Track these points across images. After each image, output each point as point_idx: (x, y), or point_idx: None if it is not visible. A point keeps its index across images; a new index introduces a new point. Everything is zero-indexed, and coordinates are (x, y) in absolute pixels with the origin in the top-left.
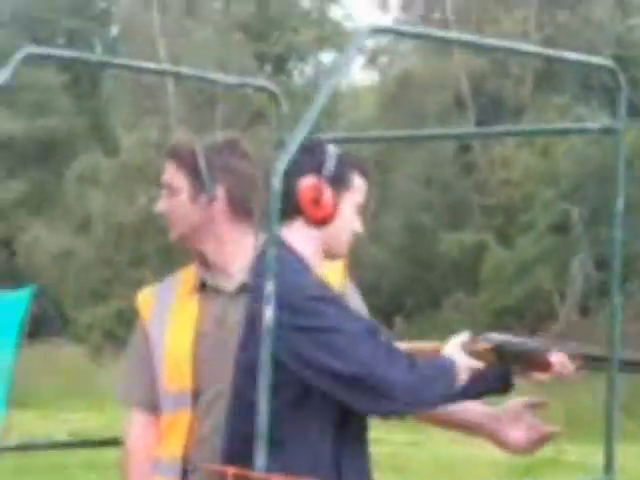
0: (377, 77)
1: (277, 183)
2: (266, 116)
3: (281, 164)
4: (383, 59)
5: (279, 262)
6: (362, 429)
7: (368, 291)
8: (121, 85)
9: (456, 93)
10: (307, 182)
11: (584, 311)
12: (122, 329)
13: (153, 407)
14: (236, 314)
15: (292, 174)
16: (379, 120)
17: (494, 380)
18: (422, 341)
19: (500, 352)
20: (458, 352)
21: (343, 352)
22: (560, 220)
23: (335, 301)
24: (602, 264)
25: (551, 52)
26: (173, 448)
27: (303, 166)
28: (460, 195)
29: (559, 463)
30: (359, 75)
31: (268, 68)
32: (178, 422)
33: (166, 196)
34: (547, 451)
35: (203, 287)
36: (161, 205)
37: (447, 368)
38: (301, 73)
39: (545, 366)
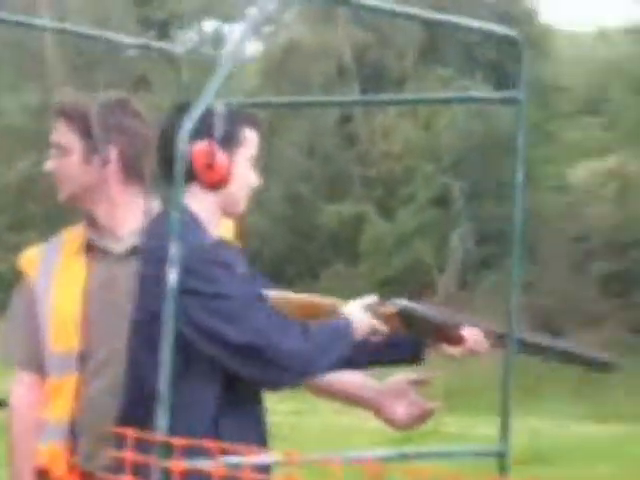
0: (261, 47)
1: (182, 148)
2: (150, 82)
3: (185, 130)
4: (267, 29)
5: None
6: (252, 392)
7: (250, 258)
8: (1, 47)
9: (340, 63)
10: (199, 147)
11: (462, 284)
12: (0, 294)
13: (38, 367)
14: (125, 276)
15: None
16: (263, 89)
17: (399, 350)
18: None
19: (406, 318)
20: (359, 311)
21: (235, 319)
22: (441, 194)
23: (229, 265)
24: (481, 239)
25: (453, 19)
26: (60, 411)
27: (194, 131)
28: (341, 166)
29: (438, 434)
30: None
31: (151, 34)
32: (64, 386)
33: (55, 156)
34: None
35: (90, 248)
36: (50, 164)
37: (342, 331)
38: (184, 40)
39: (457, 340)
